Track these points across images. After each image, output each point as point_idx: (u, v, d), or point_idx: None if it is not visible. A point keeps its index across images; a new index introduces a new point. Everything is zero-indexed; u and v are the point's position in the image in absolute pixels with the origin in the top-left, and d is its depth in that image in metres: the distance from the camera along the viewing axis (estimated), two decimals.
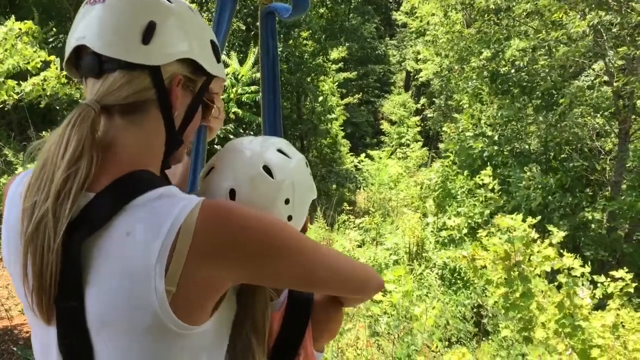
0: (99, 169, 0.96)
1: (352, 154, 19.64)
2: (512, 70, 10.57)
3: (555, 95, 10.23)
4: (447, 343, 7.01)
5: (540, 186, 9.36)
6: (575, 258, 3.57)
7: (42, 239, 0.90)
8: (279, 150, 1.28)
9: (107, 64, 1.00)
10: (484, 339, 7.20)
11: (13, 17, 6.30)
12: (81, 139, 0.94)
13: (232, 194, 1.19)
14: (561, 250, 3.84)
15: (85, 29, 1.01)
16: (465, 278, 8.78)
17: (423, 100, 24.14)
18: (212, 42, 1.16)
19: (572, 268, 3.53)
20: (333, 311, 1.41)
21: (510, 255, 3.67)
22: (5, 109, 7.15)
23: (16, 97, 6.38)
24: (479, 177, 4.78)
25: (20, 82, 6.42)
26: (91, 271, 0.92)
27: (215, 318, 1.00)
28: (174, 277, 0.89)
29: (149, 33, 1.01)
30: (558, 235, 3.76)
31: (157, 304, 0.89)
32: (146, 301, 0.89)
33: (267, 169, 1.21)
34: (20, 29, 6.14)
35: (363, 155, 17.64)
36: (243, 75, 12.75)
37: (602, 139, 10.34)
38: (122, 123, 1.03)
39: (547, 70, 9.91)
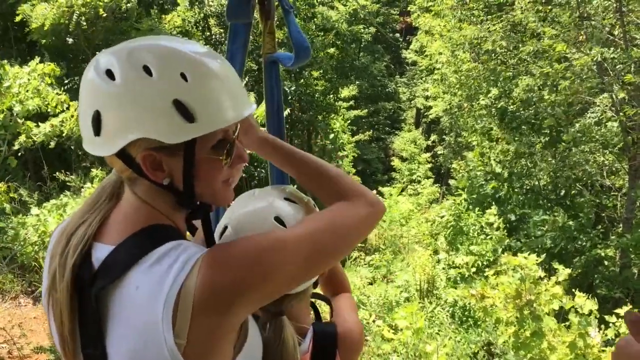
0: (122, 224, 1.07)
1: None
2: (521, 108, 10.67)
3: (562, 133, 10.28)
4: None
5: (560, 229, 9.33)
6: (588, 298, 3.57)
7: (57, 291, 1.00)
8: (287, 199, 1.34)
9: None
10: None
11: (37, 58, 6.52)
12: (98, 197, 1.10)
13: (224, 230, 1.28)
14: (573, 290, 3.84)
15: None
16: (475, 316, 8.70)
17: (433, 137, 24.26)
18: (175, 102, 1.02)
19: (581, 307, 3.53)
20: (357, 335, 1.49)
21: (521, 294, 3.67)
22: (20, 153, 7.30)
23: (35, 138, 6.54)
24: (485, 217, 4.80)
25: (39, 123, 6.60)
26: (110, 320, 0.99)
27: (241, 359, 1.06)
28: (182, 331, 0.93)
29: (96, 125, 1.03)
30: (564, 272, 3.77)
31: (169, 357, 0.93)
32: (159, 354, 0.93)
33: (279, 220, 1.26)
34: (43, 70, 6.35)
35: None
36: (258, 116, 12.96)
37: (613, 176, 10.34)
38: (131, 189, 1.10)
39: (552, 107, 9.99)
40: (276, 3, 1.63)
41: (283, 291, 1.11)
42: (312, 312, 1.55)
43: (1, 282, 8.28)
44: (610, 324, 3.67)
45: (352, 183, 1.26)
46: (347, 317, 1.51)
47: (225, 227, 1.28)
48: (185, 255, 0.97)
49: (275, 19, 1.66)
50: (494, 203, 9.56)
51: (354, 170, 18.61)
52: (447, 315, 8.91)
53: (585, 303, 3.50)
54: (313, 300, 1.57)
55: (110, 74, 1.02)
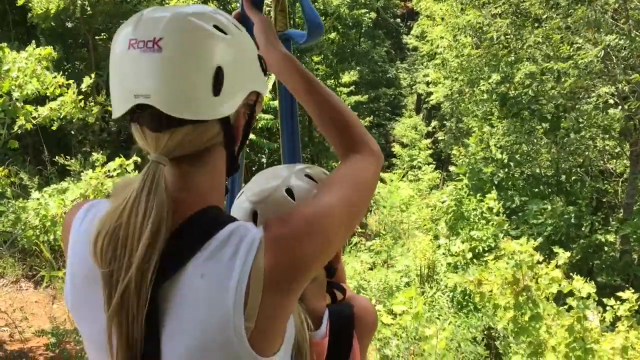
0: (172, 214, 0.97)
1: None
2: (522, 95, 10.63)
3: (563, 119, 10.25)
4: None
5: (561, 215, 9.34)
6: (586, 281, 3.58)
7: (127, 312, 0.91)
8: (307, 175, 1.36)
9: (176, 121, 0.97)
10: None
11: (34, 42, 6.48)
12: (161, 210, 0.95)
13: (255, 215, 1.30)
14: (571, 274, 3.84)
15: (146, 85, 0.96)
16: (475, 301, 8.73)
17: (434, 122, 24.21)
18: (259, 57, 1.13)
19: (580, 290, 3.54)
20: (372, 314, 1.57)
21: (518, 280, 3.68)
22: (21, 133, 7.31)
23: (33, 122, 6.52)
24: (485, 201, 4.79)
25: (38, 107, 6.58)
26: (169, 314, 0.94)
27: (285, 340, 1.04)
28: (252, 314, 0.92)
29: (218, 82, 0.99)
30: (564, 256, 3.77)
31: (236, 342, 0.91)
32: (224, 341, 0.91)
33: (290, 192, 1.30)
34: (40, 54, 6.31)
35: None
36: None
37: (614, 160, 10.32)
38: (189, 170, 1.03)
39: (553, 95, 9.96)
40: None
41: (335, 252, 1.12)
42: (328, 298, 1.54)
43: (2, 266, 8.32)
44: (608, 307, 3.68)
45: (364, 132, 1.26)
46: (360, 298, 1.57)
47: (255, 212, 1.30)
48: (248, 237, 0.95)
49: None
50: (494, 188, 9.55)
51: None
52: (447, 300, 8.95)
53: (584, 286, 3.50)
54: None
55: (218, 28, 1.01)
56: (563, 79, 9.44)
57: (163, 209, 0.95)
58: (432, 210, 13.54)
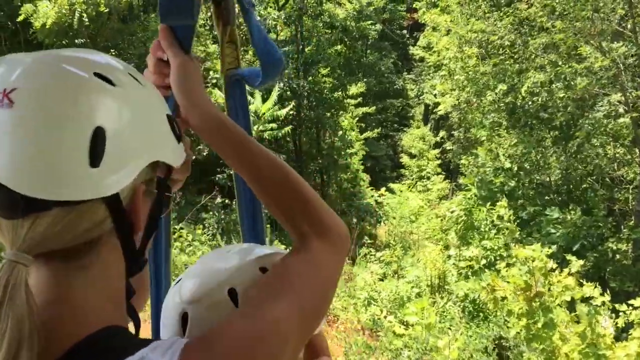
0: (45, 342, 0.66)
1: (372, 187, 19.70)
2: (530, 103, 10.63)
3: (573, 127, 10.24)
4: None
5: (574, 224, 9.31)
6: (595, 287, 3.57)
7: None
8: (262, 269, 0.97)
9: (39, 204, 0.67)
10: None
11: None
12: (19, 335, 0.64)
13: (185, 318, 0.94)
14: (581, 280, 3.84)
15: None
16: (487, 311, 8.68)
17: (442, 133, 24.22)
18: (168, 118, 0.83)
19: (592, 297, 3.53)
20: None
21: (531, 286, 3.67)
22: None
23: None
24: (496, 209, 4.80)
25: None
26: None
27: None
28: None
29: (96, 148, 0.68)
30: (577, 264, 3.77)
31: None
32: None
33: (233, 293, 0.94)
34: None
35: (383, 189, 17.69)
36: (264, 113, 13.00)
37: (624, 167, 10.28)
38: (65, 272, 0.73)
39: (564, 103, 9.96)
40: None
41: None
42: None
43: None
44: (621, 313, 3.66)
45: (322, 207, 0.95)
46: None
47: (185, 314, 0.94)
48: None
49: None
50: (504, 197, 9.54)
51: (362, 168, 18.62)
52: (458, 310, 8.91)
53: (594, 292, 3.49)
54: None
55: (102, 77, 0.72)
56: (574, 82, 9.44)
57: (23, 334, 0.64)
58: (441, 220, 13.52)
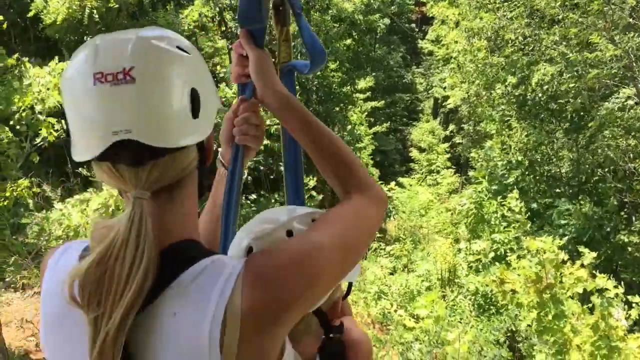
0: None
1: (381, 182, 19.68)
2: (540, 94, 10.54)
3: (585, 118, 10.15)
4: None
5: (585, 216, 9.24)
6: (609, 279, 3.53)
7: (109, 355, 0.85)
8: (315, 220, 1.24)
9: (155, 152, 0.93)
10: None
11: (57, 58, 6.60)
12: (150, 256, 0.89)
13: (250, 250, 1.19)
14: (594, 272, 3.80)
15: (125, 119, 0.90)
16: (497, 304, 8.66)
17: (451, 126, 24.11)
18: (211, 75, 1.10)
19: (606, 289, 3.50)
20: (364, 349, 1.43)
21: (542, 278, 3.65)
22: (44, 146, 7.45)
23: (55, 134, 6.63)
24: (507, 201, 4.77)
25: (60, 119, 6.69)
26: (144, 349, 0.89)
27: None
28: (230, 353, 0.86)
29: (196, 104, 0.97)
30: (589, 256, 3.73)
31: None
32: None
33: (290, 234, 1.21)
34: (62, 69, 6.42)
35: (393, 183, 17.65)
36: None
37: (637, 160, 10.18)
38: (167, 201, 0.98)
39: (575, 93, 9.87)
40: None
41: (325, 295, 1.17)
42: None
43: (27, 277, 8.45)
44: (634, 304, 3.63)
45: (365, 174, 1.20)
46: (353, 332, 1.42)
47: (250, 247, 1.21)
48: (225, 273, 0.89)
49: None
50: (515, 189, 9.48)
51: (372, 162, 18.60)
52: (469, 304, 8.88)
53: (607, 283, 3.46)
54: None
55: (181, 48, 0.97)
56: (584, 73, 9.35)
57: (152, 255, 0.89)
58: (451, 214, 13.48)
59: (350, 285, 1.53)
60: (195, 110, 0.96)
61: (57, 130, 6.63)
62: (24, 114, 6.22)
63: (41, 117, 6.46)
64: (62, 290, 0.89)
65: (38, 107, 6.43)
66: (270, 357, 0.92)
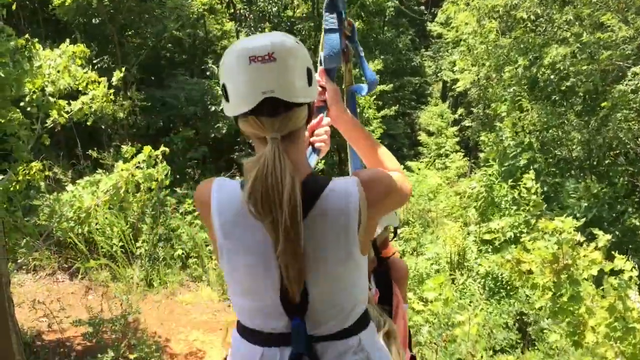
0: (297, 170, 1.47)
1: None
2: (552, 76, 10.41)
3: (597, 100, 10.03)
4: (491, 352, 6.91)
5: (595, 196, 9.16)
6: (627, 260, 3.49)
7: (293, 247, 1.38)
8: None
9: (287, 107, 1.44)
10: (529, 348, 7.08)
11: (68, 40, 6.55)
12: (291, 168, 1.40)
13: None
14: (613, 252, 3.76)
15: (270, 84, 1.41)
16: (508, 287, 8.64)
17: (460, 110, 23.92)
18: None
19: (622, 271, 3.46)
20: (402, 270, 2.49)
21: (559, 258, 3.62)
22: (56, 129, 7.44)
23: (66, 116, 6.61)
24: (522, 182, 4.73)
25: (70, 101, 6.67)
26: (314, 231, 1.45)
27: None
28: (363, 230, 1.48)
29: (310, 77, 1.49)
30: (604, 238, 3.69)
31: (355, 250, 1.48)
32: (349, 249, 1.48)
33: None
34: (74, 52, 6.39)
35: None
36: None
37: None
38: (288, 144, 1.46)
39: (587, 74, 9.74)
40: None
41: (399, 204, 1.74)
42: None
43: (39, 259, 8.51)
44: None
45: (398, 165, 1.88)
46: (393, 259, 2.49)
47: None
48: (350, 182, 1.49)
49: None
50: (530, 170, 9.41)
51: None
52: (478, 287, 8.87)
53: (625, 265, 3.43)
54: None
55: (297, 42, 1.50)
56: (601, 56, 9.22)
57: (292, 167, 1.39)
58: (460, 198, 13.42)
59: (395, 230, 2.55)
60: (310, 81, 1.49)
61: (67, 112, 6.60)
62: (34, 96, 6.18)
63: (52, 99, 6.42)
64: (235, 205, 1.47)
65: (49, 89, 6.39)
66: (373, 228, 1.59)
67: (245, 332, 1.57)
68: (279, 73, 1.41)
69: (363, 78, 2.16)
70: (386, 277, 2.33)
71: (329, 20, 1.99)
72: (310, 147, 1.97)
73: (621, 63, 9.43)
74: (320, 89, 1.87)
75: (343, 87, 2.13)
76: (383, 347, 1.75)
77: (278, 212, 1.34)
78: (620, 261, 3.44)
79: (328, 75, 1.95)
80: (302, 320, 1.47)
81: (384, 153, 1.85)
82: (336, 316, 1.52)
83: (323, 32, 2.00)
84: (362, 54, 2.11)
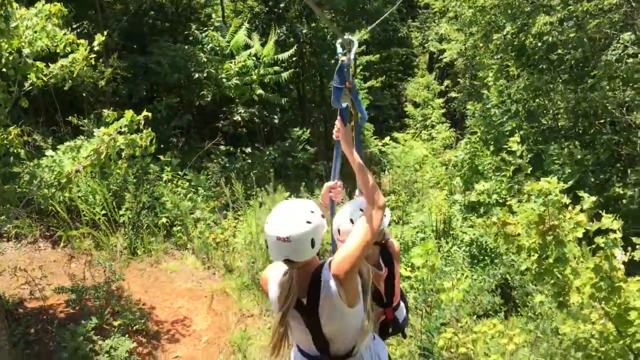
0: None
1: (375, 137, 19.52)
2: (539, 44, 10.32)
3: (585, 68, 9.99)
4: (475, 317, 6.98)
5: (578, 163, 9.17)
6: (615, 219, 3.48)
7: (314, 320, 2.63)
8: (361, 210, 2.99)
9: (299, 260, 2.49)
10: (512, 313, 7.15)
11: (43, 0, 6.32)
12: (301, 283, 2.58)
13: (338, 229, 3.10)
14: (600, 211, 3.74)
15: (286, 253, 2.44)
16: (492, 255, 8.70)
17: (447, 81, 23.82)
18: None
19: (610, 230, 3.45)
20: (397, 248, 3.38)
21: (545, 220, 3.59)
22: (32, 93, 7.23)
23: (45, 78, 6.42)
24: (508, 145, 4.72)
25: (49, 64, 6.47)
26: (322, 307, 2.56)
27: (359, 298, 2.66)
28: (342, 294, 2.50)
29: (313, 244, 2.47)
30: (589, 200, 3.66)
31: (344, 307, 2.53)
32: (340, 307, 2.52)
33: (352, 221, 3.01)
34: (50, 10, 6.16)
35: (387, 138, 17.49)
36: (265, 56, 12.71)
37: (634, 112, 10.07)
38: (302, 266, 2.55)
39: (575, 43, 9.67)
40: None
41: (360, 258, 2.55)
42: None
43: (20, 227, 8.37)
44: (637, 246, 3.58)
45: (378, 194, 2.66)
46: (390, 240, 3.34)
47: (338, 230, 3.12)
48: (326, 268, 2.57)
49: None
50: (517, 133, 9.41)
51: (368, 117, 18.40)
52: (463, 255, 8.92)
53: (613, 224, 3.41)
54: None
55: (308, 222, 2.48)
56: (588, 25, 9.14)
57: (302, 283, 2.58)
58: (446, 168, 13.43)
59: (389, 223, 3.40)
60: (313, 246, 2.49)
61: (45, 75, 6.42)
62: (11, 58, 5.99)
63: (29, 61, 6.23)
64: (275, 291, 2.70)
65: (26, 51, 6.20)
66: (355, 287, 2.58)
67: (300, 352, 2.82)
68: (292, 250, 2.44)
69: (360, 115, 3.09)
70: (389, 255, 3.24)
71: (337, 80, 2.69)
72: (330, 202, 3.19)
73: (608, 31, 9.37)
74: (336, 127, 2.88)
75: (352, 123, 3.00)
76: (371, 345, 2.87)
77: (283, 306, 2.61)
78: (607, 220, 3.42)
79: (341, 116, 2.85)
80: (327, 351, 2.70)
81: (372, 185, 2.68)
82: (345, 345, 2.70)
83: (333, 84, 2.73)
84: (360, 98, 3.03)
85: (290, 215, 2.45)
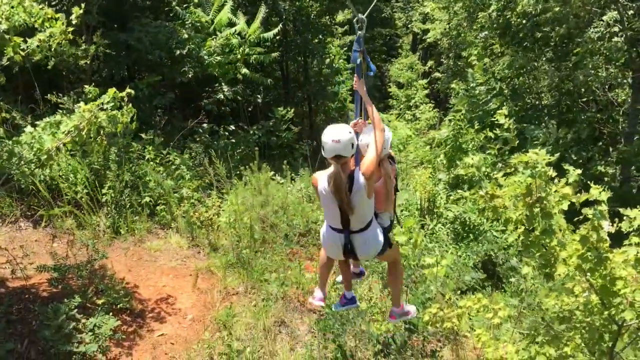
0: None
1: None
2: (524, 21, 10.32)
3: (570, 46, 10.01)
4: (459, 293, 7.05)
5: (558, 141, 9.24)
6: (603, 190, 3.48)
7: (348, 203, 3.87)
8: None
9: (344, 157, 3.77)
10: (495, 289, 7.23)
11: None
12: (344, 177, 3.82)
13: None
14: (588, 182, 3.75)
15: (337, 150, 3.71)
16: (476, 232, 8.76)
17: (431, 62, 23.80)
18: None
19: (597, 201, 3.45)
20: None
21: (532, 191, 3.60)
22: (13, 71, 7.05)
23: (23, 53, 6.27)
24: (496, 117, 4.72)
25: (27, 39, 6.32)
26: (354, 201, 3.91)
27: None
28: (366, 189, 3.83)
29: (352, 147, 3.78)
30: (574, 173, 3.67)
31: (365, 196, 3.86)
32: (364, 196, 3.86)
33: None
34: None
35: (381, 118, 17.42)
36: (250, 35, 12.54)
37: (615, 90, 10.17)
38: (344, 164, 3.81)
39: (560, 20, 9.68)
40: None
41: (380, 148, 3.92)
42: None
43: (0, 206, 8.23)
44: (624, 217, 3.60)
45: (379, 120, 3.90)
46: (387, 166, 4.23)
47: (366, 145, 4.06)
48: (357, 171, 3.87)
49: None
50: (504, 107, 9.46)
51: (350, 98, 18.34)
52: (447, 232, 8.97)
53: (601, 195, 3.42)
54: None
55: (349, 132, 3.80)
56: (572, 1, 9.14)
57: (345, 175, 3.82)
58: (430, 147, 13.46)
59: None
60: (353, 148, 3.80)
61: (23, 50, 6.26)
62: None
63: (6, 36, 6.07)
64: (325, 187, 3.92)
65: (3, 26, 6.05)
66: (372, 185, 3.90)
67: (330, 228, 4.05)
68: (341, 148, 3.67)
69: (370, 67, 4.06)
70: (393, 159, 4.35)
71: (356, 45, 3.83)
72: (355, 133, 3.94)
73: (592, 7, 9.39)
74: (355, 80, 3.96)
75: (362, 73, 3.95)
76: (377, 228, 4.11)
77: (342, 194, 3.77)
78: (595, 191, 3.43)
79: (357, 73, 3.92)
80: (348, 227, 3.96)
81: (376, 114, 3.86)
82: (360, 224, 3.94)
83: (353, 48, 3.88)
84: (369, 58, 4.06)
85: (339, 129, 3.74)
